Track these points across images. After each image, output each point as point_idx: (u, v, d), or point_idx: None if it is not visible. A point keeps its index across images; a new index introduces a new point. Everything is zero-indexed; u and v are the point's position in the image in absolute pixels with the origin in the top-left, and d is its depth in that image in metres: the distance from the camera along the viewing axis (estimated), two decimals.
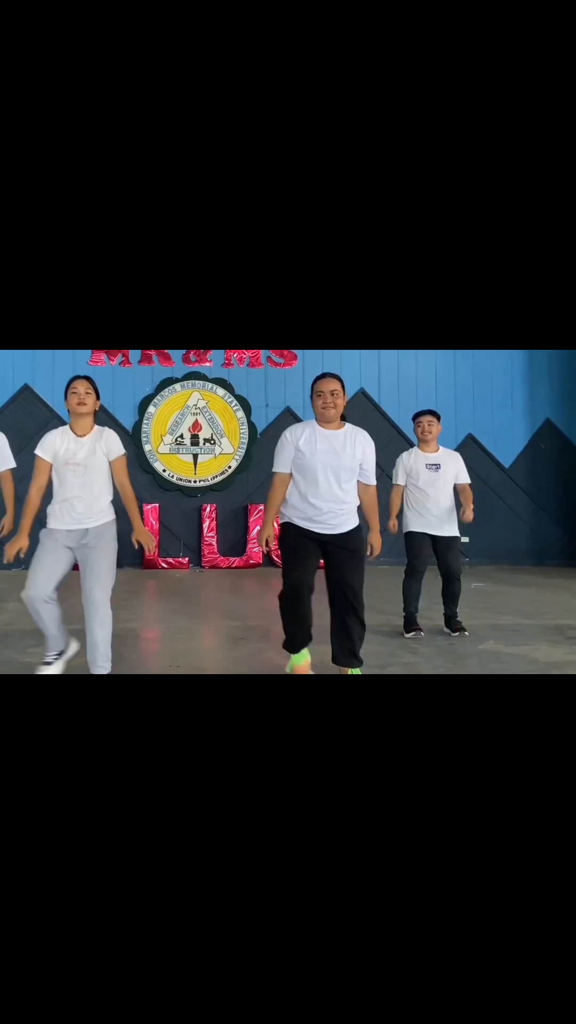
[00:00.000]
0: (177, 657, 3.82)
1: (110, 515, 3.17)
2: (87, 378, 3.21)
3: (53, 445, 3.12)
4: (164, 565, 7.77)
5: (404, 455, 4.67)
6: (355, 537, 3.18)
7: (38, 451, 3.12)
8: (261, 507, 8.02)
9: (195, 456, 8.30)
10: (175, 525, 8.13)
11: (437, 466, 4.54)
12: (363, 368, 8.36)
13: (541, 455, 8.67)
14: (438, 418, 4.64)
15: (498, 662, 3.69)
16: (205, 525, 8.05)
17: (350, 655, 3.17)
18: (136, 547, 3.19)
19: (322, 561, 3.20)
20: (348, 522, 3.16)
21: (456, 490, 4.59)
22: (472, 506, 4.52)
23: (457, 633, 4.40)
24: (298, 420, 8.16)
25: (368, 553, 3.26)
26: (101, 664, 3.09)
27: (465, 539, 4.38)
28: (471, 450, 8.12)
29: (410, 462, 4.59)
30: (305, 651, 3.22)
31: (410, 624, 4.44)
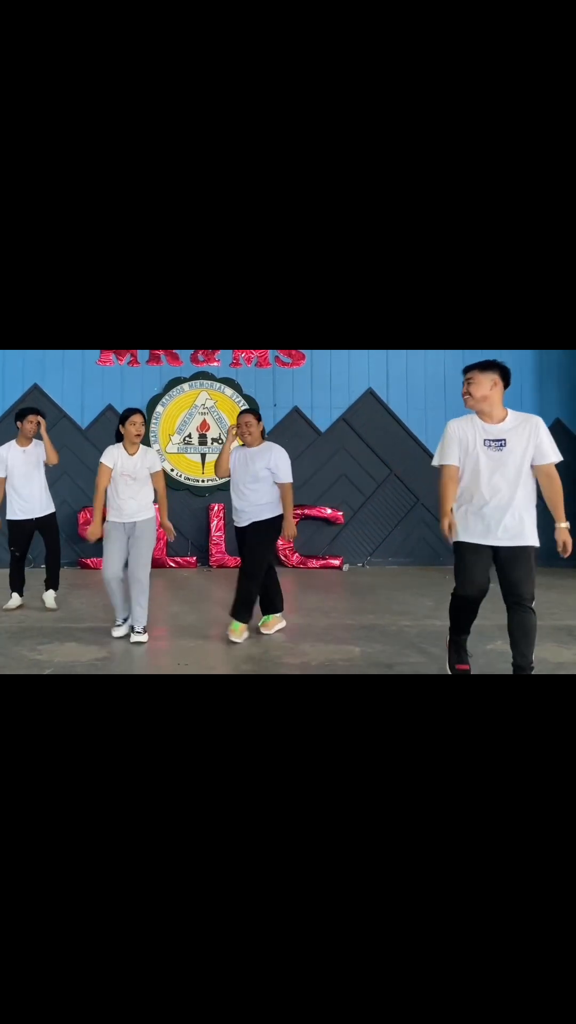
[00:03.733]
0: (185, 655, 3.85)
1: (151, 512, 4.28)
2: (142, 412, 4.28)
3: (112, 455, 4.25)
4: (172, 564, 7.79)
5: (454, 423, 3.09)
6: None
7: (103, 459, 4.24)
8: None
9: (203, 456, 8.31)
10: (183, 524, 8.13)
11: (501, 443, 2.96)
12: (371, 368, 8.33)
13: None
14: (502, 373, 3.01)
15: (506, 662, 3.68)
16: (213, 524, 8.06)
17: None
18: (171, 538, 4.45)
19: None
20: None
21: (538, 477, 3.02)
22: (563, 510, 3.00)
23: None
24: (305, 420, 8.18)
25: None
26: (139, 620, 4.14)
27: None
28: None
29: (462, 432, 3.05)
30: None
31: (455, 652, 3.31)
